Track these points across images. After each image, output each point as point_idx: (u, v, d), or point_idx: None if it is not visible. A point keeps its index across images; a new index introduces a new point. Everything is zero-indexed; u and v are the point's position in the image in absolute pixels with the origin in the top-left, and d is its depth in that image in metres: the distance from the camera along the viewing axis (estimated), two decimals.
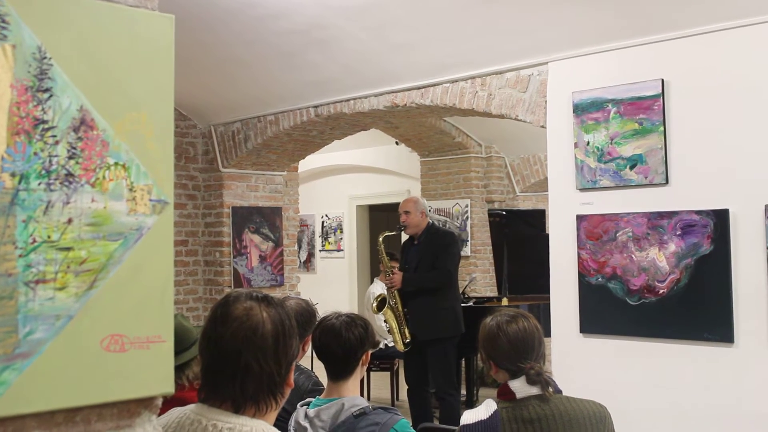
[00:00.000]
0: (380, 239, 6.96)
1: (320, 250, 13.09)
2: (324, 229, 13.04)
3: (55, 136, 1.42)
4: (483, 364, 2.93)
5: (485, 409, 2.70)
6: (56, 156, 1.41)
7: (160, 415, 1.97)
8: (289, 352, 1.94)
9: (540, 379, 2.70)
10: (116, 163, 1.48)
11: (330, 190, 12.83)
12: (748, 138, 4.43)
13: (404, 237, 7.12)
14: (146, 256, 1.51)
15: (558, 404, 2.67)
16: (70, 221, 1.42)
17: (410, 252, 6.76)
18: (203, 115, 7.91)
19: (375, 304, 6.92)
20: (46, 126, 1.40)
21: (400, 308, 6.71)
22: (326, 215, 12.98)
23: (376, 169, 11.99)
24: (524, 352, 2.73)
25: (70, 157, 1.43)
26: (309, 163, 11.13)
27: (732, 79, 4.50)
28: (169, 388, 1.52)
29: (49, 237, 1.39)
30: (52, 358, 1.39)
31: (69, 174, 1.43)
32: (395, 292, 6.67)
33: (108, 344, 1.45)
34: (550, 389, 2.69)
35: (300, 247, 12.98)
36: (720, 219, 4.47)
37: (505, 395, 2.73)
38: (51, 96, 1.41)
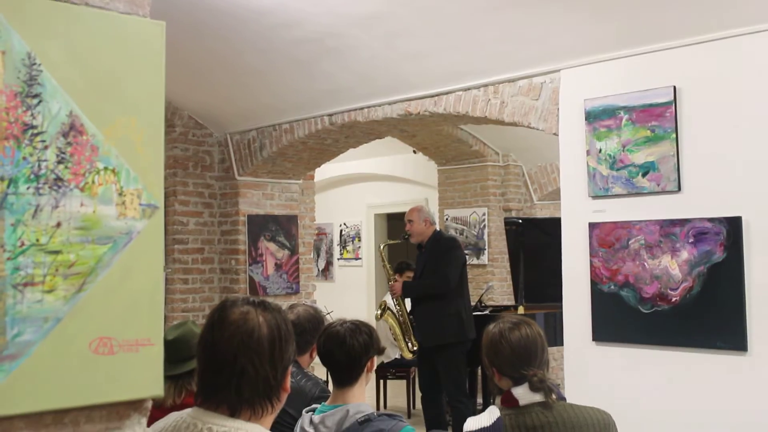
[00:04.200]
0: (381, 248, 7.10)
1: (338, 259, 13.11)
2: (342, 237, 13.07)
3: (44, 141, 1.44)
4: (486, 371, 2.92)
5: (488, 416, 2.69)
6: (45, 161, 1.43)
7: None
8: (285, 356, 1.94)
9: (543, 386, 2.68)
10: (106, 168, 1.50)
11: (348, 198, 12.85)
12: (761, 145, 4.39)
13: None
14: (136, 260, 1.52)
15: (561, 411, 2.66)
16: (58, 225, 1.44)
17: (419, 259, 6.83)
18: (219, 123, 7.95)
19: (378, 312, 6.98)
20: (35, 131, 1.43)
21: (405, 316, 6.76)
22: (344, 224, 13.00)
23: (393, 178, 12.00)
24: (527, 359, 2.72)
25: (59, 162, 1.45)
26: (327, 171, 11.17)
27: (744, 85, 4.47)
28: (158, 390, 1.54)
29: (37, 240, 1.41)
30: (40, 360, 1.40)
31: (58, 178, 1.45)
32: (400, 299, 6.76)
33: (96, 347, 1.47)
34: (554, 396, 2.68)
35: (318, 255, 13.01)
36: (733, 226, 4.44)
37: (508, 402, 2.72)
38: (40, 101, 1.43)
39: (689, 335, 4.59)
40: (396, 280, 6.75)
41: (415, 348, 6.65)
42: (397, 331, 6.71)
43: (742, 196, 4.45)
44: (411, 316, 6.71)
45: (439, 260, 6.59)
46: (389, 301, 7.26)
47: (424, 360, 6.64)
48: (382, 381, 8.94)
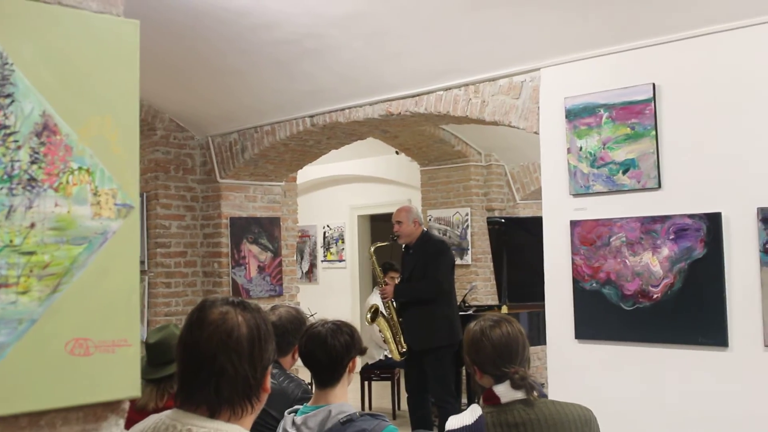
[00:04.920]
0: (371, 250, 7.09)
1: (322, 261, 13.09)
2: (326, 239, 13.04)
3: (17, 141, 1.42)
4: (468, 369, 2.92)
5: (470, 414, 2.69)
6: (18, 161, 1.42)
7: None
8: (265, 356, 1.94)
9: (524, 383, 2.69)
10: (80, 168, 1.49)
11: (331, 200, 12.83)
12: (740, 141, 4.42)
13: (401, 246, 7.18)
14: (112, 260, 1.51)
15: (543, 408, 2.67)
16: (32, 226, 1.43)
17: (406, 261, 6.81)
18: (200, 126, 7.93)
19: (369, 315, 6.98)
20: (7, 131, 1.41)
21: (395, 318, 6.77)
22: (328, 226, 12.98)
23: (376, 179, 12.00)
24: (508, 357, 2.73)
25: (32, 162, 1.44)
26: (310, 173, 11.14)
27: (723, 81, 4.49)
28: (136, 391, 1.52)
29: (11, 241, 1.40)
30: (15, 362, 1.39)
31: (31, 179, 1.43)
32: (390, 302, 6.75)
33: (72, 348, 1.45)
34: (535, 393, 2.69)
35: (302, 257, 12.99)
36: (713, 222, 4.46)
37: (489, 400, 2.72)
38: (13, 101, 1.42)
39: (671, 331, 4.61)
40: (387, 284, 6.76)
41: (404, 350, 6.65)
42: (388, 334, 6.71)
43: (722, 192, 4.47)
44: (401, 319, 6.72)
45: (429, 264, 6.58)
46: (379, 303, 7.28)
47: (414, 362, 6.64)
48: (366, 382, 8.93)
